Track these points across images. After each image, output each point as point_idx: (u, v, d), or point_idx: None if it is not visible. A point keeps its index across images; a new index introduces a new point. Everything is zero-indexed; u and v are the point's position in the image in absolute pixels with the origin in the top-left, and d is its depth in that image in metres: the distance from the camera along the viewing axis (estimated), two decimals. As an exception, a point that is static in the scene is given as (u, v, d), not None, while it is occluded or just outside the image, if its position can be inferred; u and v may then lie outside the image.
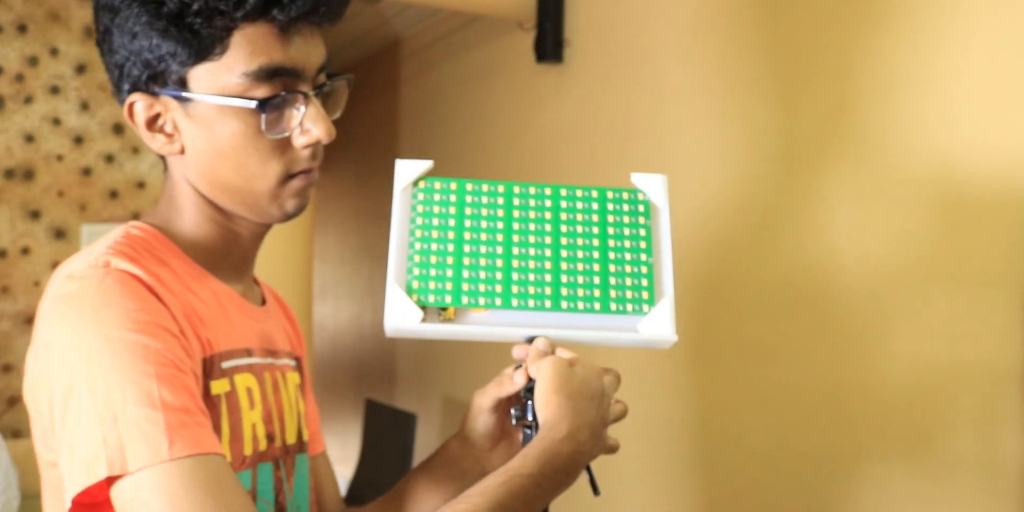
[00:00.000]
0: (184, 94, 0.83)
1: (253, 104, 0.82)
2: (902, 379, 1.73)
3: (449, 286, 0.88)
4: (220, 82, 0.82)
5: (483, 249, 0.90)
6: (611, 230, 0.93)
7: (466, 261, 0.90)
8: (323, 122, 0.86)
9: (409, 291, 0.87)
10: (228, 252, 0.93)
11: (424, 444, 3.70)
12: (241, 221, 0.92)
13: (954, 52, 1.66)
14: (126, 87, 0.85)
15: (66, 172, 3.55)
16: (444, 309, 0.88)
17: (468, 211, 0.92)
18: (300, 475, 0.97)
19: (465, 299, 0.88)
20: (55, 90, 3.52)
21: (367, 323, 4.63)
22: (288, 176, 0.87)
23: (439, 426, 3.74)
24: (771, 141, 2.05)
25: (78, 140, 3.54)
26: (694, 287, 2.19)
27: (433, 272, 0.89)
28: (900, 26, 1.76)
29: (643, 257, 0.92)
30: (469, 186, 0.93)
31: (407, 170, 0.93)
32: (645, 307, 0.90)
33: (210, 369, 0.82)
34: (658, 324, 0.89)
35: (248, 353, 0.89)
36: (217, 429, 0.81)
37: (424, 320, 0.87)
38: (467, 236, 0.90)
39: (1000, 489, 1.55)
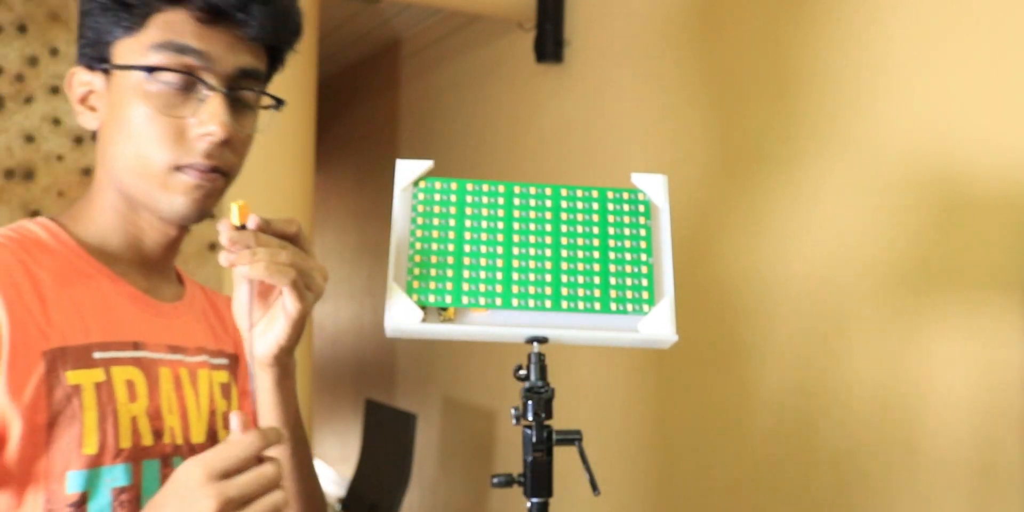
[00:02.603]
0: (105, 66, 0.88)
1: (143, 71, 0.85)
2: (901, 379, 1.73)
3: (449, 286, 0.88)
4: (132, 55, 0.86)
5: (483, 249, 0.90)
6: (611, 230, 0.93)
7: (466, 261, 0.89)
8: (222, 118, 0.85)
9: (409, 291, 0.87)
10: (131, 247, 0.93)
11: (424, 444, 3.70)
12: (146, 215, 0.92)
13: (955, 52, 1.66)
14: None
15: (66, 172, 3.54)
16: (444, 309, 0.88)
17: (468, 211, 0.92)
18: None
19: (465, 299, 0.88)
20: (55, 90, 3.52)
21: (367, 323, 4.63)
22: (177, 167, 0.87)
23: (439, 426, 3.74)
24: (771, 141, 2.05)
25: (78, 140, 3.54)
26: (694, 288, 2.19)
27: (433, 272, 0.89)
28: (904, 24, 1.76)
29: (643, 257, 0.92)
30: (469, 186, 0.93)
31: (407, 170, 0.93)
32: (645, 307, 0.90)
33: (69, 358, 0.82)
34: (658, 324, 0.89)
35: (136, 346, 0.89)
36: (75, 419, 0.81)
37: (424, 320, 0.87)
38: (467, 236, 0.90)
39: (1000, 489, 1.55)
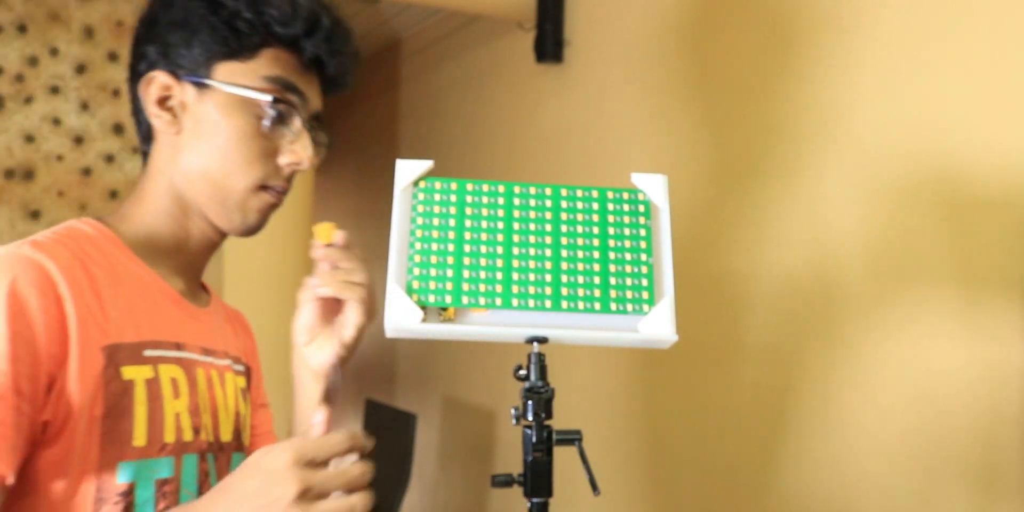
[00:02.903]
0: (208, 81, 0.94)
1: (268, 97, 0.93)
2: (901, 380, 1.73)
3: (449, 286, 0.88)
4: (241, 79, 0.94)
5: (483, 249, 0.90)
6: (611, 230, 0.93)
7: (466, 261, 0.90)
8: (310, 152, 0.97)
9: (409, 291, 0.87)
10: (175, 251, 0.99)
11: (424, 444, 3.70)
12: (198, 222, 0.98)
13: (953, 51, 1.66)
14: (143, 67, 0.96)
15: (66, 172, 3.54)
16: (444, 309, 0.88)
17: (468, 211, 0.92)
18: None
19: (465, 299, 0.88)
20: (55, 90, 3.52)
21: (367, 323, 4.62)
22: (262, 186, 0.96)
23: (439, 426, 3.74)
24: (771, 141, 2.05)
25: (78, 140, 3.54)
26: (694, 287, 2.19)
27: (433, 272, 0.89)
28: (902, 24, 1.76)
29: (643, 257, 0.92)
30: (469, 186, 0.93)
31: (407, 170, 0.93)
32: (645, 307, 0.90)
33: (123, 355, 0.87)
34: (658, 324, 0.89)
35: (178, 347, 0.94)
36: (127, 412, 0.86)
37: (424, 320, 0.87)
38: (467, 236, 0.90)
39: (1000, 490, 1.55)
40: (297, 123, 0.96)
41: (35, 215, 3.41)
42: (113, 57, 3.52)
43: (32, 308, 0.80)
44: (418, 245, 0.90)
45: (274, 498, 0.72)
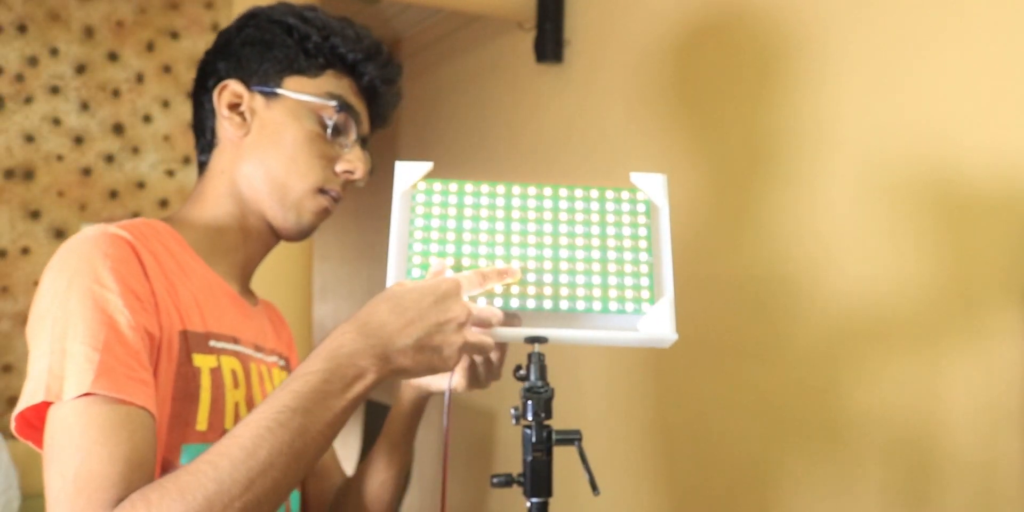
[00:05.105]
0: (278, 90, 1.01)
1: (333, 102, 1.01)
2: (900, 379, 1.73)
3: (449, 286, 0.88)
4: (308, 90, 1.02)
5: (483, 249, 0.90)
6: (611, 230, 0.93)
7: (466, 262, 0.90)
8: (365, 161, 1.05)
9: (409, 291, 0.87)
10: (233, 251, 1.03)
11: (424, 444, 3.70)
12: (256, 222, 1.04)
13: (953, 52, 1.66)
14: (212, 80, 1.03)
15: (66, 172, 3.54)
16: (444, 309, 0.88)
17: (468, 212, 0.92)
18: None
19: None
20: (55, 90, 3.52)
21: (367, 323, 4.61)
22: (321, 189, 1.02)
23: (439, 426, 3.74)
24: (771, 141, 2.05)
25: (78, 140, 3.54)
26: (694, 288, 2.19)
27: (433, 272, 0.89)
28: (902, 23, 1.76)
29: (643, 257, 0.92)
30: (469, 187, 0.93)
31: (407, 172, 0.93)
32: (645, 306, 0.90)
33: (193, 342, 0.91)
34: (658, 323, 0.89)
35: (235, 341, 0.99)
36: (194, 397, 0.90)
37: (424, 320, 0.87)
38: (467, 237, 0.91)
39: (1000, 490, 1.55)
40: (353, 136, 1.04)
41: (35, 215, 3.41)
42: (113, 57, 3.52)
43: (132, 277, 0.85)
44: (418, 246, 0.90)
45: (449, 318, 0.82)
